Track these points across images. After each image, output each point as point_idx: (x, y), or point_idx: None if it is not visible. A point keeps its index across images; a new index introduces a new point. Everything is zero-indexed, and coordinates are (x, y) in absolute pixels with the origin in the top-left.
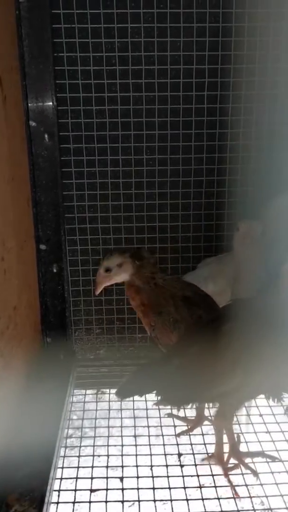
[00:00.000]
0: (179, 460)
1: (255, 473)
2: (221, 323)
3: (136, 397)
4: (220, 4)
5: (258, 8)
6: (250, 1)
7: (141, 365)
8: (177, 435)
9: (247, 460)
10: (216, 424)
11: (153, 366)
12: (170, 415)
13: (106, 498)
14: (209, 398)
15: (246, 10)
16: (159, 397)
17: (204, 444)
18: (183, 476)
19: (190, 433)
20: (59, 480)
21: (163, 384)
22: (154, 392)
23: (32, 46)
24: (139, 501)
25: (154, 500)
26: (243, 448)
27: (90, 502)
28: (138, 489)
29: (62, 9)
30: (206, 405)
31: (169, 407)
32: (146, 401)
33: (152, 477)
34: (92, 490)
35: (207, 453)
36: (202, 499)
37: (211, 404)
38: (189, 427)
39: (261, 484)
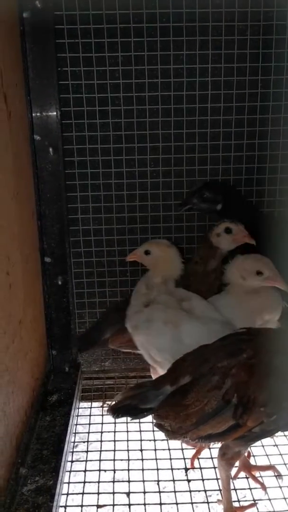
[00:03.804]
0: (186, 475)
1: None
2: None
3: None
4: (222, 18)
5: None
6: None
7: (132, 387)
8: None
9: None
10: (220, 469)
11: (145, 389)
12: None
13: None
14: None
15: (248, 23)
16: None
17: (211, 458)
18: (190, 491)
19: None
20: (66, 495)
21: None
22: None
23: (36, 61)
24: None
25: None
26: (251, 461)
27: None
28: (145, 504)
29: (65, 25)
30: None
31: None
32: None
33: (159, 492)
34: (98, 506)
35: (214, 467)
36: None
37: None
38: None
39: (270, 499)
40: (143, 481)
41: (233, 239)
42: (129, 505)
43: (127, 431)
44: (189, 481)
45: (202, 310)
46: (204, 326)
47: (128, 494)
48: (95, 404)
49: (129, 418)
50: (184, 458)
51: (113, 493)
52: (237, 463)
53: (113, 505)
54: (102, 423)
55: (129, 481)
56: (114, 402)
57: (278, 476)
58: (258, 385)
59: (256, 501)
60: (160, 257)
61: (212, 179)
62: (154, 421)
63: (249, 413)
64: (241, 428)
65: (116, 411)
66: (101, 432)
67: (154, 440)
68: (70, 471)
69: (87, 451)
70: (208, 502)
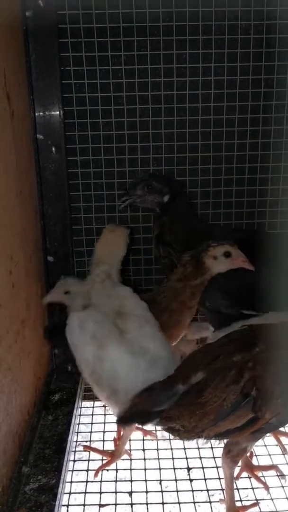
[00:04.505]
0: (189, 474)
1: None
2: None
3: None
4: (225, 16)
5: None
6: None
7: (144, 389)
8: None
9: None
10: (224, 467)
11: (156, 391)
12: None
13: None
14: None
15: (252, 22)
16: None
17: (214, 457)
18: (192, 491)
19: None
20: (68, 494)
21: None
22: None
23: (39, 61)
24: None
25: None
26: (253, 461)
27: None
28: (147, 504)
29: (68, 24)
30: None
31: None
32: None
33: (161, 491)
34: (101, 505)
35: (217, 467)
36: None
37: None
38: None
39: (272, 499)
40: (145, 480)
41: (230, 263)
42: (131, 504)
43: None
44: (191, 480)
45: (136, 336)
46: (130, 359)
47: (130, 493)
48: (97, 403)
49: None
50: (187, 458)
51: (115, 492)
52: (239, 463)
53: (115, 504)
54: (104, 423)
55: (131, 481)
56: (123, 410)
57: (281, 475)
58: (274, 377)
59: (258, 501)
60: (106, 240)
61: (154, 170)
62: (162, 425)
63: (267, 405)
64: (260, 420)
65: (127, 420)
66: (104, 432)
67: (157, 440)
68: (72, 470)
69: (89, 451)
70: (210, 502)
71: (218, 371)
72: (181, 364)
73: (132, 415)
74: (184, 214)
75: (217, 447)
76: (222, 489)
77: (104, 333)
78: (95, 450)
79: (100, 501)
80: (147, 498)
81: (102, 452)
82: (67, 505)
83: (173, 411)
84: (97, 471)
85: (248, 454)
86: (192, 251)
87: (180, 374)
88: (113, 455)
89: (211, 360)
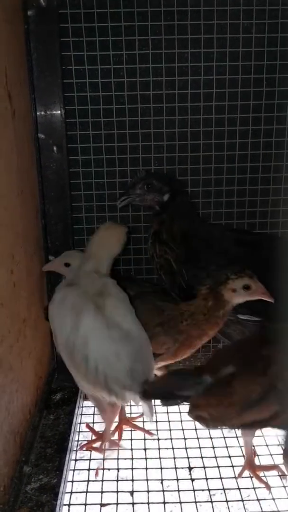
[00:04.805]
0: (190, 474)
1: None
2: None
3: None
4: (227, 16)
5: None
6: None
7: (170, 373)
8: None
9: (261, 474)
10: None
11: (182, 376)
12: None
13: None
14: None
15: (254, 21)
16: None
17: (215, 457)
18: (194, 490)
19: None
20: (69, 494)
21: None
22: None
23: (41, 60)
24: None
25: None
26: (255, 461)
27: None
28: (148, 503)
29: (70, 23)
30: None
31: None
32: (155, 413)
33: (163, 491)
34: (102, 505)
35: (218, 466)
36: None
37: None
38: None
39: (273, 499)
40: (147, 480)
41: (250, 295)
42: (133, 503)
43: (131, 430)
44: (192, 480)
45: (111, 312)
46: (103, 328)
47: (131, 493)
48: None
49: (160, 402)
50: (188, 457)
51: (117, 491)
52: (241, 462)
53: (117, 503)
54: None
55: (132, 480)
56: (148, 385)
57: (282, 475)
58: None
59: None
60: (99, 237)
61: (155, 169)
62: (190, 413)
63: None
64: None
65: (149, 394)
66: None
67: (158, 439)
68: (74, 470)
69: (90, 450)
70: (212, 501)
71: (246, 363)
72: (211, 358)
73: (155, 392)
74: (185, 213)
75: (218, 447)
76: (224, 489)
77: (82, 304)
78: (93, 431)
79: (101, 500)
80: (148, 497)
81: (96, 433)
82: (69, 505)
83: (201, 400)
84: (84, 446)
85: (251, 453)
86: (209, 282)
87: (209, 366)
88: (101, 436)
89: (241, 354)
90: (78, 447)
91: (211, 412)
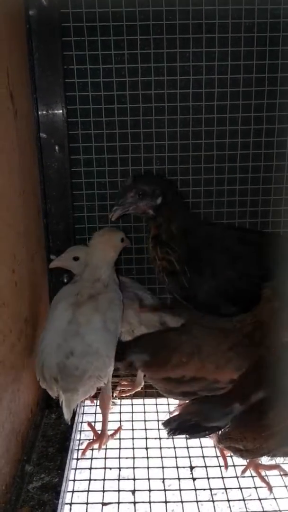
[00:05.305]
0: (191, 473)
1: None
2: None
3: (148, 409)
4: (229, 14)
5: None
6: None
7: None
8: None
9: (263, 473)
10: None
11: (209, 406)
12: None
13: None
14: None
15: (255, 21)
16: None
17: (217, 456)
18: (195, 490)
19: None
20: (71, 493)
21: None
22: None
23: (42, 59)
24: None
25: None
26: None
27: None
28: (150, 502)
29: (71, 23)
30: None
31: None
32: (157, 412)
33: (164, 490)
34: (103, 504)
35: (220, 466)
36: None
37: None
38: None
39: (275, 498)
40: (148, 479)
41: None
42: (134, 503)
43: (132, 429)
44: (194, 479)
45: (82, 312)
46: (63, 319)
47: (133, 492)
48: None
49: (186, 436)
50: (190, 457)
51: (118, 491)
52: (244, 461)
53: (118, 503)
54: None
55: (134, 479)
56: (171, 416)
57: (284, 475)
58: None
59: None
60: (93, 246)
61: (146, 170)
62: (223, 444)
63: None
64: None
65: (173, 428)
66: None
67: (160, 438)
68: (75, 469)
69: (92, 449)
70: (213, 501)
71: (281, 391)
72: (237, 382)
73: (180, 426)
74: (179, 212)
75: (219, 447)
76: (225, 488)
77: (63, 298)
78: (94, 430)
79: (103, 499)
80: (150, 496)
81: (97, 433)
82: (70, 503)
83: (234, 433)
84: (85, 451)
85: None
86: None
87: (237, 393)
88: (100, 435)
89: (271, 379)
90: (80, 451)
91: (247, 445)
